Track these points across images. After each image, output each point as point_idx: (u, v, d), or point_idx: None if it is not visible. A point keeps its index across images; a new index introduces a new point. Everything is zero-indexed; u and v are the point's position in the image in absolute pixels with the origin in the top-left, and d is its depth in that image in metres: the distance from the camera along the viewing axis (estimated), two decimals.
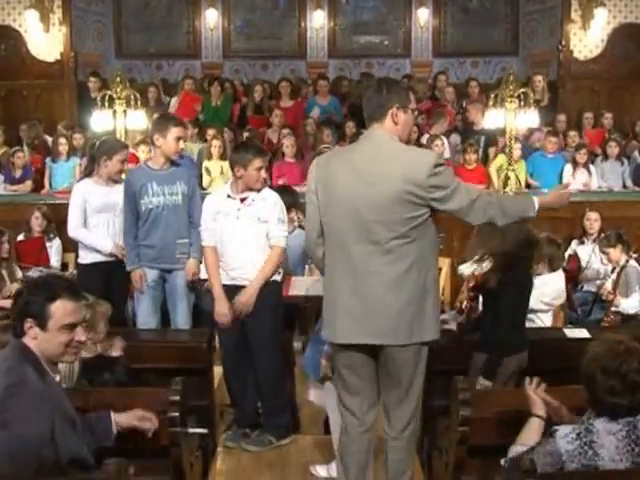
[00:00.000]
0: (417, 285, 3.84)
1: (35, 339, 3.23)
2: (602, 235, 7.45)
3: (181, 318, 6.07)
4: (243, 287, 5.35)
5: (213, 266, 5.46)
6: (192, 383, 4.53)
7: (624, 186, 10.05)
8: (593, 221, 7.75)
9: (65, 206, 7.05)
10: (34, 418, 3.04)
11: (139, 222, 6.01)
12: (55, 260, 7.81)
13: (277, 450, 5.44)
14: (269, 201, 5.35)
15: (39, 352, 3.25)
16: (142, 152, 9.05)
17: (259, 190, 5.34)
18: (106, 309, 4.57)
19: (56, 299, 3.25)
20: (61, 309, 3.25)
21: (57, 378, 3.34)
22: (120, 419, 3.64)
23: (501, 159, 9.29)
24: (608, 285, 6.93)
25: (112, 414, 3.60)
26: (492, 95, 8.97)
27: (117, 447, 3.53)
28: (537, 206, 3.97)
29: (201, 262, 5.92)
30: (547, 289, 5.95)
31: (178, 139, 5.99)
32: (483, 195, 3.92)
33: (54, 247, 7.81)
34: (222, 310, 5.34)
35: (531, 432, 3.48)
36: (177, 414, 3.97)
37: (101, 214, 6.25)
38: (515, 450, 3.39)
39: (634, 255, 7.05)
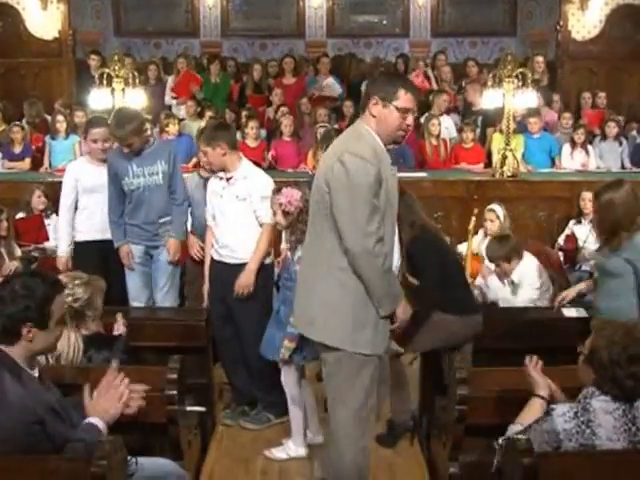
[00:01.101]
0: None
1: (31, 341, 3.18)
2: None
3: (160, 295, 6.10)
4: (229, 264, 5.44)
5: (208, 246, 5.61)
6: (190, 361, 4.54)
7: (622, 166, 10.03)
8: (587, 201, 7.74)
9: None
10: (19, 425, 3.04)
11: (125, 201, 6.05)
12: (53, 238, 7.80)
13: (275, 428, 5.46)
14: (249, 180, 5.40)
15: (28, 351, 3.21)
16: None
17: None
18: (101, 285, 4.58)
19: (55, 298, 3.23)
20: (59, 306, 3.26)
21: (35, 373, 3.27)
22: (107, 419, 3.36)
23: (499, 138, 9.31)
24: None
25: (97, 424, 3.31)
26: (490, 75, 8.97)
27: (113, 423, 3.42)
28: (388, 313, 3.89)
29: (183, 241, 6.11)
30: (528, 279, 6.01)
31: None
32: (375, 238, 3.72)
33: (52, 225, 7.78)
34: (247, 282, 5.38)
35: (532, 412, 3.47)
36: (175, 392, 3.98)
37: (92, 194, 6.24)
38: (513, 429, 3.41)
39: None
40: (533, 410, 3.49)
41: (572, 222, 8.02)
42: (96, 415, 3.32)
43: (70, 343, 4.23)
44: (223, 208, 5.43)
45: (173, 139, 8.93)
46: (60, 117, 9.82)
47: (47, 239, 7.67)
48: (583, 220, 7.88)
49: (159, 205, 6.00)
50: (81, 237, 6.33)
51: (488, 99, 9.05)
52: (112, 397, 3.36)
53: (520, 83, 8.72)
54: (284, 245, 5.58)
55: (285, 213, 4.91)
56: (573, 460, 3.06)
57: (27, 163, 9.69)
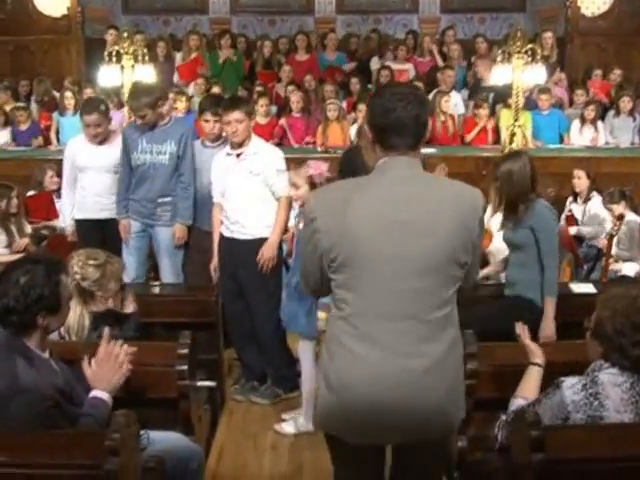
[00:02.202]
0: (459, 362, 3.03)
1: (46, 328, 3.22)
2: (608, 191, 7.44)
3: (165, 274, 6.18)
4: (239, 240, 5.47)
5: (217, 221, 5.60)
6: (200, 337, 4.57)
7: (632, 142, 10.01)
8: (577, 178, 7.75)
9: None
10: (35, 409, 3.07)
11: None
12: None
13: (285, 403, 5.51)
14: (261, 154, 5.41)
15: (41, 335, 3.23)
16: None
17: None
18: (117, 268, 4.58)
19: (61, 281, 3.24)
20: (65, 286, 3.27)
21: (46, 354, 3.31)
22: (110, 390, 3.42)
23: (507, 114, 9.31)
24: (614, 241, 7.00)
25: (102, 396, 3.37)
26: (499, 51, 8.95)
27: (125, 398, 3.53)
28: None
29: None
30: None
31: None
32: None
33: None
34: (272, 252, 5.44)
35: (531, 381, 3.53)
36: (186, 367, 4.01)
37: (85, 173, 6.33)
38: (517, 403, 3.44)
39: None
40: (531, 378, 3.54)
41: (569, 200, 7.99)
42: (99, 387, 3.38)
43: (76, 318, 4.26)
44: (236, 184, 5.42)
45: (181, 116, 8.94)
46: (68, 94, 9.88)
47: (57, 216, 7.69)
48: (578, 199, 7.85)
49: (161, 184, 6.05)
50: (78, 215, 6.44)
51: (497, 75, 9.03)
52: (113, 367, 3.42)
53: (529, 59, 8.71)
54: (292, 222, 5.60)
55: (313, 185, 4.93)
56: (580, 433, 3.08)
57: (40, 141, 9.78)
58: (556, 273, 5.00)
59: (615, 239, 6.92)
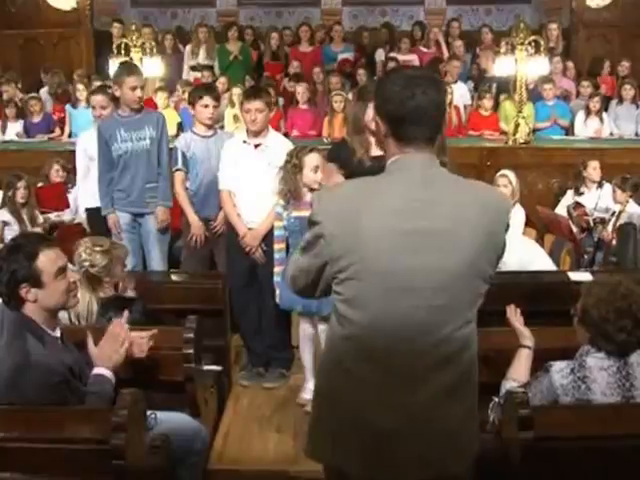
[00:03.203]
0: (475, 387, 2.75)
1: (36, 301, 3.32)
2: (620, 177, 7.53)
3: (155, 262, 6.27)
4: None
5: (232, 208, 5.67)
6: (208, 324, 4.67)
7: (636, 133, 10.07)
8: (592, 169, 7.81)
9: None
10: (45, 385, 3.20)
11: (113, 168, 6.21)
12: (72, 209, 7.98)
13: (289, 388, 5.65)
14: (280, 147, 5.50)
15: (42, 311, 3.35)
16: (160, 99, 9.25)
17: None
18: (122, 252, 4.72)
19: (38, 254, 3.33)
20: (46, 261, 3.34)
21: (57, 333, 3.44)
22: (111, 366, 3.55)
23: (508, 106, 9.42)
24: (609, 229, 7.11)
25: (104, 373, 3.51)
26: (503, 42, 9.05)
27: (133, 380, 3.64)
28: None
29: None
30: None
31: (133, 88, 6.08)
32: None
33: (72, 197, 7.93)
34: (253, 242, 5.57)
35: (521, 363, 3.61)
36: (192, 351, 4.14)
37: (94, 161, 6.44)
38: (508, 385, 3.53)
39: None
40: (521, 361, 3.63)
41: (570, 192, 7.99)
42: (102, 364, 3.51)
43: (85, 303, 4.39)
44: (252, 174, 5.51)
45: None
46: (80, 86, 9.98)
47: (67, 206, 7.85)
48: (586, 189, 7.88)
49: (145, 170, 6.15)
50: (90, 204, 6.58)
51: (501, 66, 9.13)
52: (113, 344, 3.55)
53: (533, 51, 8.80)
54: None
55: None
56: (567, 413, 3.21)
57: (58, 132, 9.95)
58: None
59: (610, 227, 7.07)
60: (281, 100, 10.39)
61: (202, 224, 6.04)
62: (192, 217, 6.05)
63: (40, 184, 7.91)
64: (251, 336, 5.86)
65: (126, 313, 3.80)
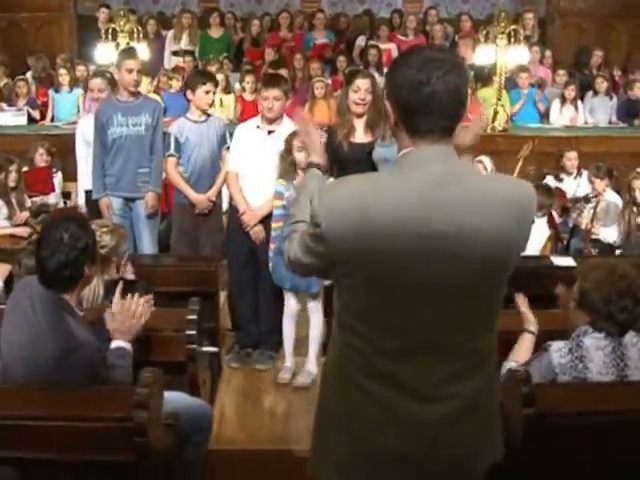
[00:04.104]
0: (496, 401, 2.57)
1: (88, 280, 3.48)
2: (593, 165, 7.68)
3: (146, 246, 6.34)
4: None
5: (237, 188, 5.76)
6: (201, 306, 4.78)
7: (610, 121, 10.31)
8: (571, 159, 7.96)
9: (70, 137, 7.33)
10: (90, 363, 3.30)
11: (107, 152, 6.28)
12: (57, 193, 8.03)
13: (278, 370, 5.73)
14: None
15: (79, 293, 3.48)
16: (143, 84, 9.20)
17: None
18: (124, 232, 4.80)
19: (94, 233, 3.51)
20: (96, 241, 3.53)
21: (81, 313, 3.52)
22: (129, 338, 3.63)
23: (485, 92, 9.56)
24: (586, 215, 7.26)
25: (124, 345, 3.58)
26: (484, 31, 9.18)
27: (134, 361, 3.66)
28: None
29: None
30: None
31: (130, 71, 6.16)
32: None
33: (57, 181, 8.02)
34: (251, 221, 5.66)
35: (524, 347, 3.74)
36: (195, 332, 4.23)
37: (91, 146, 6.45)
38: (508, 366, 3.64)
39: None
40: (524, 344, 3.75)
41: (550, 178, 8.12)
42: (119, 337, 3.59)
43: (91, 287, 4.45)
44: (262, 160, 5.58)
45: (174, 93, 9.16)
46: (63, 71, 10.02)
47: (54, 190, 7.88)
48: (566, 177, 8.02)
49: (138, 155, 6.23)
50: (87, 186, 6.62)
51: (481, 55, 9.26)
52: (128, 317, 3.63)
53: (512, 39, 8.94)
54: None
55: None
56: (567, 390, 3.35)
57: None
58: None
59: (588, 213, 7.22)
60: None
61: (204, 197, 6.13)
62: (193, 195, 6.12)
63: (25, 168, 7.92)
64: (247, 318, 5.95)
65: (136, 296, 3.87)
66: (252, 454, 4.70)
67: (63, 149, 8.12)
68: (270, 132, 5.63)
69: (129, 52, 6.58)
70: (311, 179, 2.70)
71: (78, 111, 9.78)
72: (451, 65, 2.23)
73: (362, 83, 5.41)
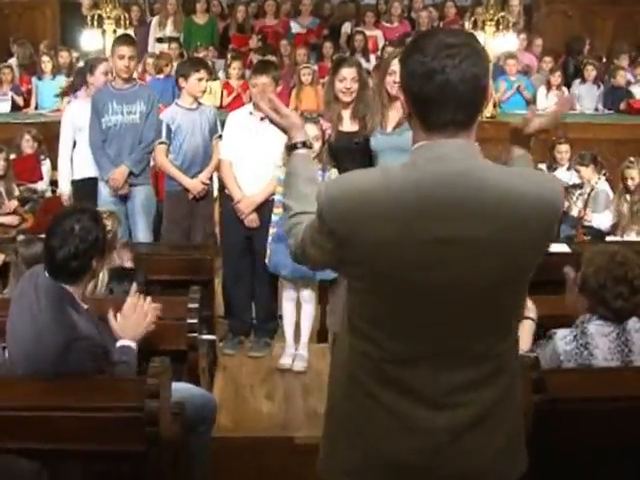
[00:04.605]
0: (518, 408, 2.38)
1: (94, 273, 3.43)
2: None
3: (141, 234, 6.31)
4: None
5: (231, 176, 5.71)
6: None
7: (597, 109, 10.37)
8: (563, 152, 7.94)
9: (55, 124, 7.27)
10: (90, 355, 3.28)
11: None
12: (45, 180, 7.97)
13: (273, 356, 5.75)
14: None
15: (83, 285, 3.44)
16: None
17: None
18: (120, 218, 4.79)
19: (105, 227, 3.51)
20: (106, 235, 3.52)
21: (86, 307, 3.48)
22: (136, 339, 3.61)
23: None
24: (574, 202, 7.29)
25: (131, 345, 3.56)
26: (471, 18, 9.18)
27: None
28: None
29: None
30: None
31: (121, 57, 6.11)
32: None
33: (45, 168, 7.95)
34: (247, 209, 5.62)
35: (524, 334, 3.70)
36: (196, 321, 4.21)
37: (83, 132, 6.43)
38: None
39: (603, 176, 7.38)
40: (525, 331, 3.72)
41: (543, 167, 8.02)
42: (126, 337, 3.56)
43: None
44: (258, 147, 5.55)
45: (162, 78, 9.11)
46: (45, 57, 9.93)
47: (42, 178, 7.83)
48: (559, 167, 7.99)
49: (132, 144, 6.19)
50: (78, 175, 6.57)
51: None
52: (138, 317, 3.61)
53: (501, 26, 8.95)
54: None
55: (323, 141, 5.25)
56: (576, 376, 3.37)
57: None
58: None
59: (581, 202, 7.25)
60: (248, 72, 10.37)
61: (198, 181, 6.09)
62: (186, 180, 6.08)
63: (13, 156, 7.86)
64: (242, 305, 5.93)
65: (134, 285, 3.86)
66: (253, 441, 4.70)
67: (49, 137, 8.04)
68: (263, 118, 5.58)
69: (122, 38, 6.52)
70: (298, 161, 2.54)
71: (62, 99, 9.67)
72: (469, 51, 2.03)
73: (347, 72, 5.38)
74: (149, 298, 3.72)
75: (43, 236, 5.82)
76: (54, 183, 8.07)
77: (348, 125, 5.44)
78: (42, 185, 7.83)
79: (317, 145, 5.24)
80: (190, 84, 6.10)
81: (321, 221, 2.16)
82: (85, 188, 6.49)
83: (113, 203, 6.20)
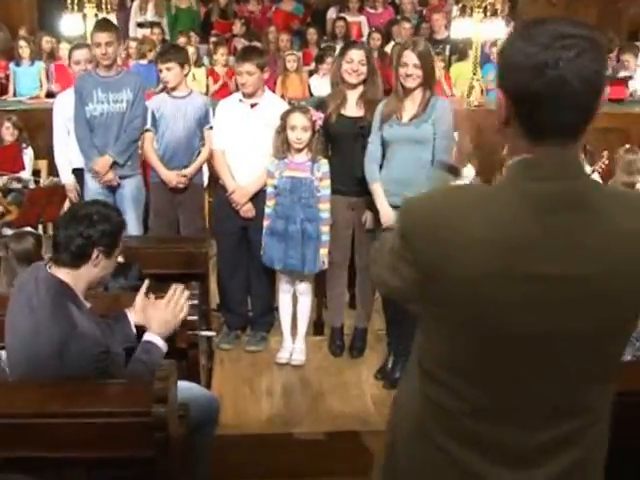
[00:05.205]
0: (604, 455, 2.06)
1: (95, 267, 3.28)
2: None
3: (131, 226, 6.06)
4: None
5: (224, 165, 5.59)
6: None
7: None
8: None
9: (35, 112, 7.15)
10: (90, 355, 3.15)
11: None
12: (27, 170, 7.78)
13: (270, 350, 5.69)
14: (275, 108, 5.45)
15: (85, 282, 3.29)
16: None
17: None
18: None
19: (123, 229, 3.39)
20: (122, 240, 3.40)
21: (88, 305, 3.37)
22: (165, 333, 3.58)
23: (459, 67, 9.49)
24: None
25: (157, 342, 3.52)
26: (460, 5, 9.09)
27: (132, 348, 3.56)
28: None
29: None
30: None
31: (97, 45, 5.90)
32: None
33: (27, 157, 7.76)
34: (241, 199, 5.51)
35: None
36: (197, 317, 4.09)
37: (73, 122, 6.18)
38: None
39: (598, 167, 7.33)
40: None
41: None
42: (157, 330, 3.51)
43: None
44: (249, 134, 5.45)
45: (145, 64, 8.96)
46: (23, 43, 9.65)
47: (24, 168, 7.65)
48: None
49: (117, 133, 5.98)
50: (78, 164, 6.37)
51: (456, 29, 9.18)
52: (173, 310, 3.58)
53: (489, 13, 8.86)
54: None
55: (313, 131, 5.16)
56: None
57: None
58: None
59: None
60: (231, 58, 10.24)
61: (176, 174, 5.93)
62: (162, 171, 5.93)
63: None
64: (238, 299, 5.84)
65: (146, 282, 3.80)
66: (253, 439, 4.63)
67: (30, 125, 7.88)
68: (253, 105, 5.48)
69: (98, 25, 6.26)
70: (434, 182, 2.30)
71: (41, 85, 9.51)
72: (588, 44, 1.70)
73: (356, 54, 5.24)
74: (187, 292, 3.67)
75: (32, 230, 5.81)
76: (36, 173, 7.94)
77: (353, 109, 5.31)
78: (25, 174, 7.64)
79: (306, 135, 5.16)
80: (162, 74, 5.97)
81: (402, 246, 1.86)
82: (76, 179, 6.34)
83: (101, 195, 5.99)
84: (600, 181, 7.32)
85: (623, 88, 9.62)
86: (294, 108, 5.33)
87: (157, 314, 3.55)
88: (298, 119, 5.18)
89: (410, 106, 4.97)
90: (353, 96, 5.31)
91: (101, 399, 3.06)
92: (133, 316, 3.62)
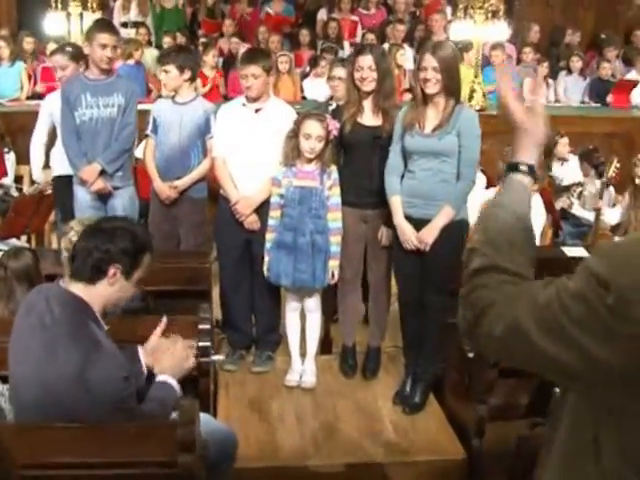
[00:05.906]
0: None
1: (111, 285, 3.01)
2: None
3: None
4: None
5: (226, 174, 5.22)
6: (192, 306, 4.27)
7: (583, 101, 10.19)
8: (563, 145, 7.66)
9: (16, 115, 7.10)
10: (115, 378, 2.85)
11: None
12: (10, 176, 7.41)
13: (277, 371, 5.34)
14: (280, 113, 5.13)
15: (102, 304, 3.03)
16: None
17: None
18: None
19: (147, 252, 3.12)
20: (147, 262, 3.13)
21: (106, 327, 3.10)
22: (178, 376, 3.32)
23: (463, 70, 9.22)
24: (575, 201, 7.07)
25: (172, 382, 3.26)
26: (461, 6, 8.83)
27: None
28: None
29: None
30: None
31: (103, 46, 5.51)
32: None
33: (10, 162, 7.41)
34: (246, 210, 5.16)
35: None
36: (209, 344, 3.76)
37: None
38: None
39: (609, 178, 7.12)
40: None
41: (557, 164, 7.82)
42: (170, 373, 3.25)
43: None
44: (253, 141, 5.10)
45: (132, 65, 8.62)
46: (2, 43, 9.27)
47: (6, 174, 7.28)
48: (554, 165, 7.71)
49: (108, 141, 5.59)
50: (59, 171, 6.02)
51: (457, 31, 8.91)
52: (185, 351, 3.36)
53: (489, 15, 8.62)
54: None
55: (327, 140, 4.85)
56: None
57: None
58: (471, 187, 4.69)
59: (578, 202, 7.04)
60: (220, 60, 9.93)
61: (168, 186, 5.59)
62: (156, 183, 5.62)
63: None
64: (242, 316, 5.47)
65: (164, 319, 3.48)
66: (270, 472, 4.32)
67: (11, 129, 7.54)
68: (257, 110, 5.13)
69: (104, 24, 5.85)
70: (510, 189, 1.83)
71: (22, 86, 9.12)
72: None
73: (363, 60, 4.89)
74: (188, 342, 3.41)
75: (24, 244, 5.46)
76: (19, 179, 7.57)
77: (370, 118, 4.97)
78: (6, 181, 7.27)
79: (320, 146, 4.85)
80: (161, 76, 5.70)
81: (608, 313, 1.39)
82: (64, 186, 5.90)
83: (92, 207, 5.64)
84: (613, 191, 7.10)
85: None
86: (311, 115, 4.98)
87: (169, 358, 3.30)
88: (314, 127, 4.85)
89: (433, 115, 4.63)
90: (369, 104, 4.97)
91: (120, 445, 2.72)
92: (144, 354, 3.31)
